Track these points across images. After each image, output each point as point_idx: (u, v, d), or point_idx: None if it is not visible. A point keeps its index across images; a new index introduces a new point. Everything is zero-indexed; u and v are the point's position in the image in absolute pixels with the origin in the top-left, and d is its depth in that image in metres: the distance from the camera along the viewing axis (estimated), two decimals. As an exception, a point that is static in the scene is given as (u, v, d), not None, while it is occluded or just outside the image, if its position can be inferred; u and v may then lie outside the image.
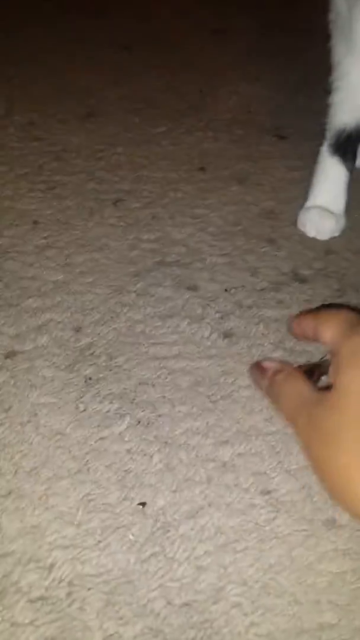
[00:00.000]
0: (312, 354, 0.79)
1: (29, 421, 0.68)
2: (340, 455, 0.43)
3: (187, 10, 1.59)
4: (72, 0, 1.60)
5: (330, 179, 0.97)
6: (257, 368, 0.58)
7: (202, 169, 1.08)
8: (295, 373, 0.52)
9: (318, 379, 0.59)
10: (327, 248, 0.97)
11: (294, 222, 0.99)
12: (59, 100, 1.21)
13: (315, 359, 0.78)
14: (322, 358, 0.61)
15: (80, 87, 1.26)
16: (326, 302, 0.87)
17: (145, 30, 1.50)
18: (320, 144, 0.97)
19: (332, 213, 0.97)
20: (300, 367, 0.60)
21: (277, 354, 0.79)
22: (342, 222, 0.97)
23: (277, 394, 0.51)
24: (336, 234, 0.97)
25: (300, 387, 0.50)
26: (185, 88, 1.30)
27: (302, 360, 0.78)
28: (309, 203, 0.98)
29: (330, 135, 0.95)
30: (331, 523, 0.63)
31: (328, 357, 0.57)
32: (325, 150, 0.96)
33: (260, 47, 1.45)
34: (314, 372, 0.61)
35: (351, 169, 0.98)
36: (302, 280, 0.90)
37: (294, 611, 0.57)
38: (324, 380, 0.59)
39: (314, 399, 0.47)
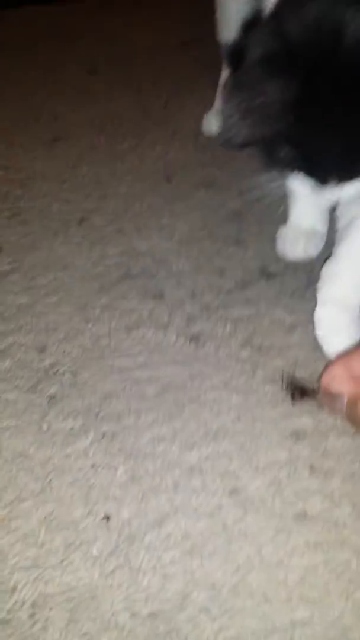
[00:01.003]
0: (280, 349, 0.77)
1: (-8, 446, 0.68)
2: None
3: (151, 27, 1.60)
4: (35, 27, 1.62)
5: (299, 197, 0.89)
6: (328, 395, 0.63)
7: (168, 179, 1.08)
8: None
9: None
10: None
11: (261, 221, 0.97)
12: (24, 126, 1.22)
13: (284, 355, 0.77)
14: None
15: (46, 112, 1.27)
16: (294, 296, 0.85)
17: (110, 51, 1.51)
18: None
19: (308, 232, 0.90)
20: None
21: (245, 353, 0.77)
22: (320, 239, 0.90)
23: None
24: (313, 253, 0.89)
25: None
26: (150, 103, 1.30)
27: (271, 356, 0.77)
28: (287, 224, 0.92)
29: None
30: (302, 517, 0.61)
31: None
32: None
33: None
34: None
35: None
36: (271, 276, 0.89)
37: (265, 610, 0.55)
38: None
39: None
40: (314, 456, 0.66)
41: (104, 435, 0.69)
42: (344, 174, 0.65)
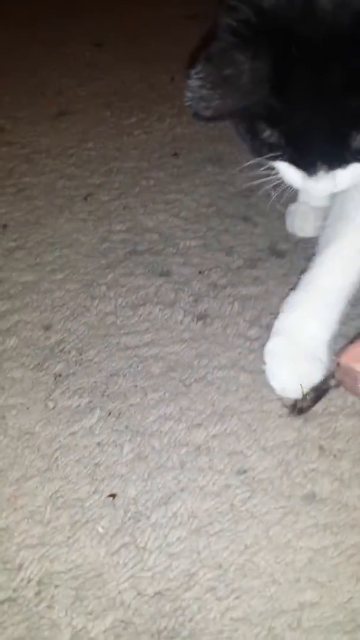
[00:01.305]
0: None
1: (-3, 424, 0.67)
2: None
3: (158, 1, 1.57)
4: (40, 1, 1.59)
5: None
6: (347, 374, 0.57)
7: (175, 154, 1.07)
8: None
9: None
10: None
11: (270, 198, 0.96)
12: (30, 102, 1.21)
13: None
14: None
15: (51, 87, 1.25)
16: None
17: (117, 25, 1.48)
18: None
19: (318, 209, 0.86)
20: None
21: (253, 332, 0.76)
22: None
23: None
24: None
25: None
26: (157, 78, 1.28)
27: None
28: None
29: None
30: (310, 498, 0.61)
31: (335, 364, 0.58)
32: None
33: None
34: None
35: None
36: (280, 254, 0.87)
37: (272, 592, 0.54)
38: None
39: None
40: (323, 437, 0.65)
41: (110, 413, 0.68)
42: (332, 159, 0.59)
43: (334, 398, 0.69)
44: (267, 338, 0.75)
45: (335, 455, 0.64)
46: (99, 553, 0.57)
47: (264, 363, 0.70)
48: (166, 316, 0.79)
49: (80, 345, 0.75)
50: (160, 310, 0.79)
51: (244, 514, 0.59)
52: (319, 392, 0.67)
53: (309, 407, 0.66)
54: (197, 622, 0.53)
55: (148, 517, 0.59)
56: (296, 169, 0.62)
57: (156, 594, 0.54)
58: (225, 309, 0.79)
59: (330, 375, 0.67)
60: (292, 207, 0.90)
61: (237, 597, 0.54)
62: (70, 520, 0.59)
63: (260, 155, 0.63)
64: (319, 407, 0.68)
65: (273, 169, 0.65)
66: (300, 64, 0.55)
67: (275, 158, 0.62)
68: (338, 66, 0.54)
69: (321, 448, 0.64)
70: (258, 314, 0.78)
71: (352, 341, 0.69)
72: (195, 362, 0.73)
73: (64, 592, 0.54)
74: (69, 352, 0.74)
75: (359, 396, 0.54)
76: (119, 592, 0.54)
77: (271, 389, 0.69)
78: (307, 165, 0.60)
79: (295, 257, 0.87)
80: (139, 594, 0.54)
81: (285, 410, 0.67)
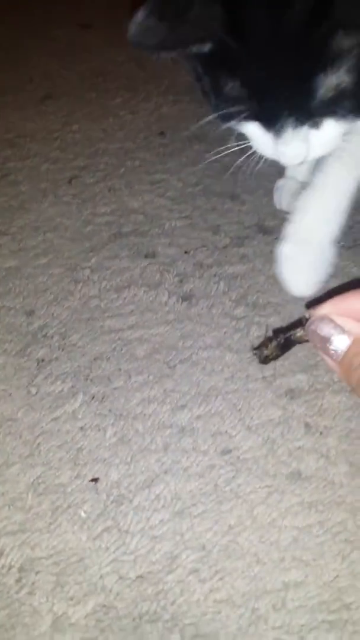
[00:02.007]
0: (276, 306, 0.75)
1: (-20, 411, 0.67)
2: None
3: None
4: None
5: None
6: (321, 342, 0.48)
7: (161, 133, 1.05)
8: None
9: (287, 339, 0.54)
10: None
11: (258, 175, 0.94)
12: (15, 86, 1.19)
13: (280, 312, 0.75)
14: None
15: (38, 71, 1.23)
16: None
17: (105, 6, 1.45)
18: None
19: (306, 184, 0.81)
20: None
21: (239, 310, 0.75)
22: None
23: None
24: None
25: None
26: (144, 57, 1.25)
27: (266, 314, 0.74)
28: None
29: None
30: (295, 476, 0.59)
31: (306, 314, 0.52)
32: None
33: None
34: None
35: None
36: (268, 231, 0.86)
37: (256, 572, 0.53)
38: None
39: None
40: (309, 414, 0.64)
41: (93, 397, 0.67)
42: (299, 111, 0.55)
43: (320, 375, 0.67)
44: (254, 317, 0.74)
45: (321, 433, 0.62)
46: (80, 538, 0.56)
47: (277, 268, 0.73)
48: (151, 298, 0.77)
49: (63, 330, 0.74)
50: (144, 292, 0.78)
51: (228, 494, 0.58)
52: (287, 342, 0.57)
53: (276, 355, 0.58)
54: (179, 605, 0.52)
55: (131, 501, 0.58)
56: (263, 128, 0.58)
57: (138, 577, 0.53)
58: (211, 289, 0.78)
59: (298, 327, 0.56)
60: (280, 183, 0.88)
61: (220, 579, 0.53)
62: (52, 506, 0.58)
63: (222, 110, 0.58)
64: (304, 384, 0.67)
65: (245, 138, 0.62)
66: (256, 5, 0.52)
67: (240, 116, 0.57)
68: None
69: (307, 425, 0.63)
70: (244, 293, 0.77)
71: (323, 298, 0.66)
72: (180, 343, 0.72)
73: (45, 578, 0.54)
74: (52, 337, 0.73)
75: (328, 354, 0.49)
76: (101, 577, 0.54)
77: (258, 368, 0.68)
78: (273, 120, 0.56)
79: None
80: (120, 578, 0.53)
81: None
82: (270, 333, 0.60)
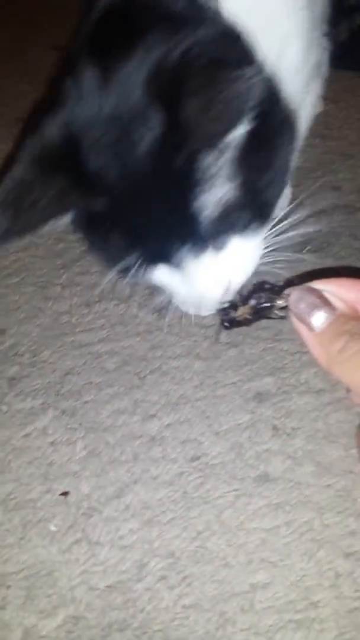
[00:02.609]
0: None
1: None
2: None
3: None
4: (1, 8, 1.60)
5: None
6: (304, 311, 0.46)
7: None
8: None
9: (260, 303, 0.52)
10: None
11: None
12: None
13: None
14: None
15: (11, 94, 1.25)
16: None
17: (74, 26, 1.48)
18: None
19: None
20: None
21: (208, 319, 0.75)
22: None
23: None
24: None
25: None
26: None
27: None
28: None
29: None
30: (263, 478, 0.60)
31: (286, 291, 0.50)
32: None
33: None
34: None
35: None
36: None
37: (224, 576, 0.54)
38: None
39: None
40: (276, 417, 0.65)
41: (64, 412, 0.68)
42: (193, 241, 0.52)
43: (287, 377, 0.68)
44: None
45: (288, 434, 0.63)
46: (50, 551, 0.56)
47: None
48: (122, 311, 0.78)
49: (34, 347, 0.75)
50: (115, 305, 0.79)
51: (197, 500, 0.59)
52: (263, 309, 0.53)
53: (245, 321, 0.55)
54: (148, 613, 0.52)
55: (100, 512, 0.59)
56: (167, 268, 0.54)
57: (107, 587, 0.54)
58: (180, 299, 0.79)
59: (276, 295, 0.52)
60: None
61: (188, 584, 0.53)
62: (22, 521, 0.59)
63: (117, 266, 0.56)
64: (272, 386, 0.67)
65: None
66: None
67: (136, 264, 0.54)
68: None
69: (275, 428, 0.64)
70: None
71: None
72: (150, 354, 0.73)
73: (15, 593, 0.54)
74: (23, 354, 0.74)
75: (308, 326, 0.46)
76: (71, 589, 0.54)
77: (226, 374, 0.69)
78: (168, 256, 0.53)
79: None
80: (90, 588, 0.54)
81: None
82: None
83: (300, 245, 0.84)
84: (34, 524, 0.58)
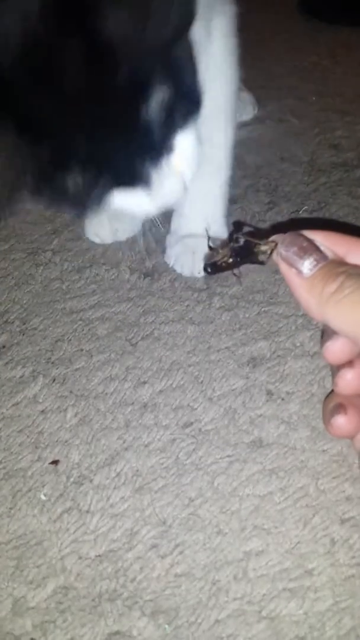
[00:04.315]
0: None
1: None
2: None
3: None
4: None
5: None
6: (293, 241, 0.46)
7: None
8: None
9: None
10: (257, 163, 0.91)
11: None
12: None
13: (243, 282, 0.73)
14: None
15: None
16: (254, 220, 0.81)
17: None
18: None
19: None
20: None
21: (201, 283, 0.74)
22: None
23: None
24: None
25: None
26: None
27: (228, 284, 0.73)
28: None
29: None
30: (257, 444, 0.58)
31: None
32: None
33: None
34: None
35: None
36: (231, 201, 0.84)
37: (217, 543, 0.53)
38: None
39: None
40: (271, 381, 0.63)
41: (54, 380, 0.66)
42: (147, 149, 0.51)
43: (282, 341, 0.66)
44: (216, 287, 0.73)
45: (283, 399, 0.61)
46: (41, 521, 0.55)
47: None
48: (113, 276, 0.76)
49: (24, 314, 0.73)
50: (106, 270, 0.77)
51: (189, 466, 0.58)
52: (243, 250, 0.52)
53: (226, 265, 0.53)
54: (139, 582, 0.51)
55: (91, 480, 0.58)
56: (127, 188, 0.53)
57: (97, 556, 0.53)
58: (174, 263, 0.77)
59: (260, 240, 0.50)
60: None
61: (180, 553, 0.52)
62: (12, 490, 0.57)
63: (88, 206, 0.54)
64: (266, 351, 0.66)
65: None
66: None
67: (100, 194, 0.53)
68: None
69: (269, 392, 0.62)
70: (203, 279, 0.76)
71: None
72: (142, 320, 0.71)
73: (5, 563, 0.53)
74: (13, 322, 0.72)
75: (298, 270, 0.46)
76: (61, 558, 0.53)
77: (220, 338, 0.67)
78: (130, 175, 0.52)
79: (246, 203, 0.84)
80: (80, 558, 0.53)
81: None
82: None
83: (297, 206, 0.83)
84: (24, 493, 0.57)
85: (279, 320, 0.68)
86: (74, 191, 0.51)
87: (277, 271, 0.73)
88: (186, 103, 0.52)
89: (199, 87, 0.54)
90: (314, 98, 1.03)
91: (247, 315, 0.69)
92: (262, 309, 0.70)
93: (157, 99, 0.49)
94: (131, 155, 0.51)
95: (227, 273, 0.53)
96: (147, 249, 0.77)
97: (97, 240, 0.81)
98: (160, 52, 0.48)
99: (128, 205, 0.55)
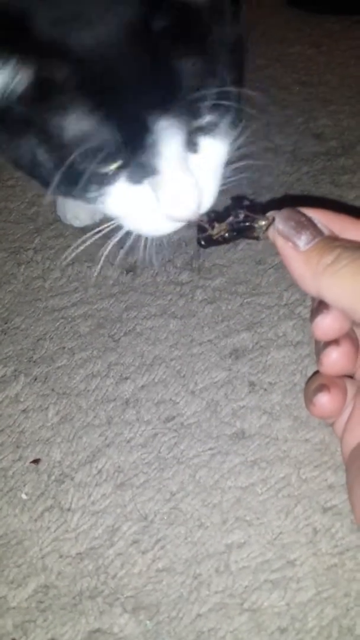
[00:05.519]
0: (222, 268, 0.73)
1: None
2: None
3: None
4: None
5: None
6: (290, 216, 0.46)
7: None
8: None
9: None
10: (241, 153, 0.90)
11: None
12: None
13: (225, 273, 0.73)
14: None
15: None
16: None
17: None
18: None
19: None
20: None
21: (184, 276, 0.73)
22: None
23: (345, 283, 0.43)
24: None
25: None
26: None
27: (211, 276, 0.72)
28: None
29: None
30: (239, 435, 0.58)
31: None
32: None
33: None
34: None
35: None
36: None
37: (198, 537, 0.52)
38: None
39: None
40: (253, 372, 0.62)
41: (36, 378, 0.66)
42: (175, 116, 0.47)
43: (265, 332, 0.66)
44: (198, 280, 0.73)
45: (265, 389, 0.61)
46: (22, 520, 0.55)
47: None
48: (95, 273, 0.76)
49: (6, 314, 0.72)
50: (88, 267, 0.76)
51: (171, 461, 0.57)
52: (241, 227, 0.50)
53: (222, 239, 0.52)
54: (120, 579, 0.50)
55: (72, 478, 0.57)
56: (134, 180, 0.49)
57: (78, 554, 0.52)
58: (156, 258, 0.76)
59: (257, 215, 0.50)
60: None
61: (161, 548, 0.52)
62: (-7, 491, 0.57)
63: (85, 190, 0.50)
64: (249, 342, 0.65)
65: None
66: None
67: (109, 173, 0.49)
68: None
69: (251, 384, 0.61)
70: (189, 258, 0.75)
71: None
72: (124, 315, 0.70)
73: (-15, 564, 0.53)
74: (-5, 322, 0.72)
75: (294, 244, 0.45)
76: (42, 557, 0.52)
77: (202, 331, 0.67)
78: (141, 126, 0.46)
79: (229, 195, 0.83)
80: (61, 556, 0.52)
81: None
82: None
83: (280, 195, 0.82)
84: (5, 493, 0.57)
85: (261, 311, 0.68)
86: (73, 132, 0.47)
87: (260, 262, 0.73)
88: (216, 94, 0.49)
89: (235, 95, 0.51)
90: (297, 88, 1.01)
91: (229, 307, 0.69)
92: (245, 300, 0.69)
93: (189, 60, 0.46)
94: (148, 103, 0.46)
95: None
96: (130, 244, 0.76)
97: (77, 223, 0.79)
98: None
99: (128, 206, 0.53)
